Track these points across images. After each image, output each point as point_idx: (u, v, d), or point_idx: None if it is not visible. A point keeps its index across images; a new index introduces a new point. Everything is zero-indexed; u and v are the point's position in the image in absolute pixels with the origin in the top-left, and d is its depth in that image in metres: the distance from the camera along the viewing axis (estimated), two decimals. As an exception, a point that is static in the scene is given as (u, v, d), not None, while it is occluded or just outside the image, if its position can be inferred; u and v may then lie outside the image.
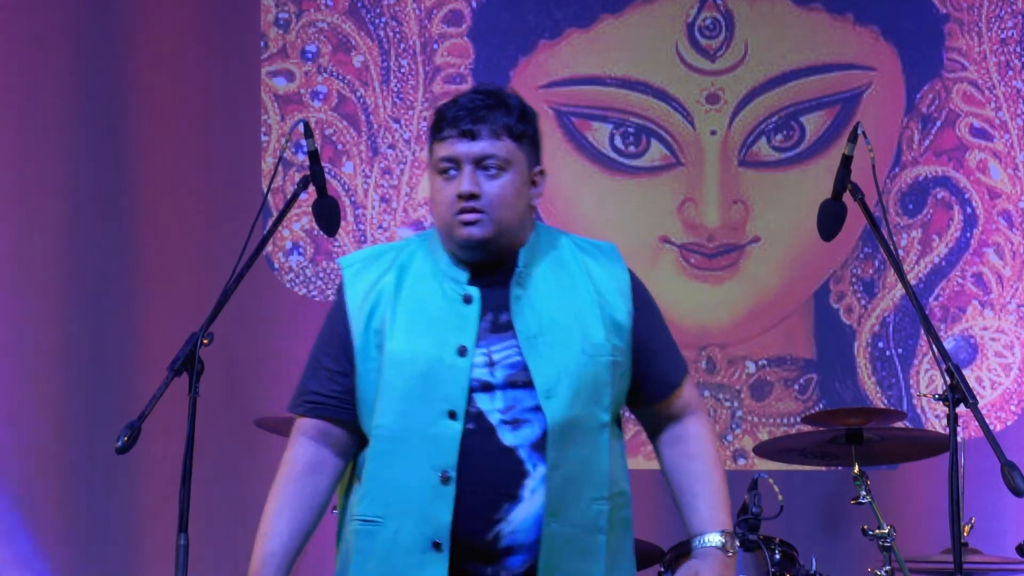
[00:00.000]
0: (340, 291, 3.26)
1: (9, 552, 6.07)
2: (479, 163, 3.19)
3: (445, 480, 3.07)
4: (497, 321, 3.18)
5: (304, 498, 3.26)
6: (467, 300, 3.18)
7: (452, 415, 3.10)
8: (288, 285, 6.37)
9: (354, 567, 3.14)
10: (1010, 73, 6.54)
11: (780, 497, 5.06)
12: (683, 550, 5.07)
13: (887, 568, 5.06)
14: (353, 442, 3.24)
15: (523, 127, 3.24)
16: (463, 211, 3.16)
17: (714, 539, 3.22)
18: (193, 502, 3.64)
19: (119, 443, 3.62)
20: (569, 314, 3.21)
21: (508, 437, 3.11)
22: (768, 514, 5.05)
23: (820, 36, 6.57)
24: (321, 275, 6.38)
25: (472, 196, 3.16)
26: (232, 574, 6.09)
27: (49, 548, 6.10)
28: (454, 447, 3.08)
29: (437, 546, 3.06)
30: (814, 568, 5.07)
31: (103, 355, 6.21)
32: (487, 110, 3.22)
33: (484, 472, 3.08)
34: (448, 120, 3.23)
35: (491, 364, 3.14)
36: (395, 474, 3.11)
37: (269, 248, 6.29)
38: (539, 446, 3.10)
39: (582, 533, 3.13)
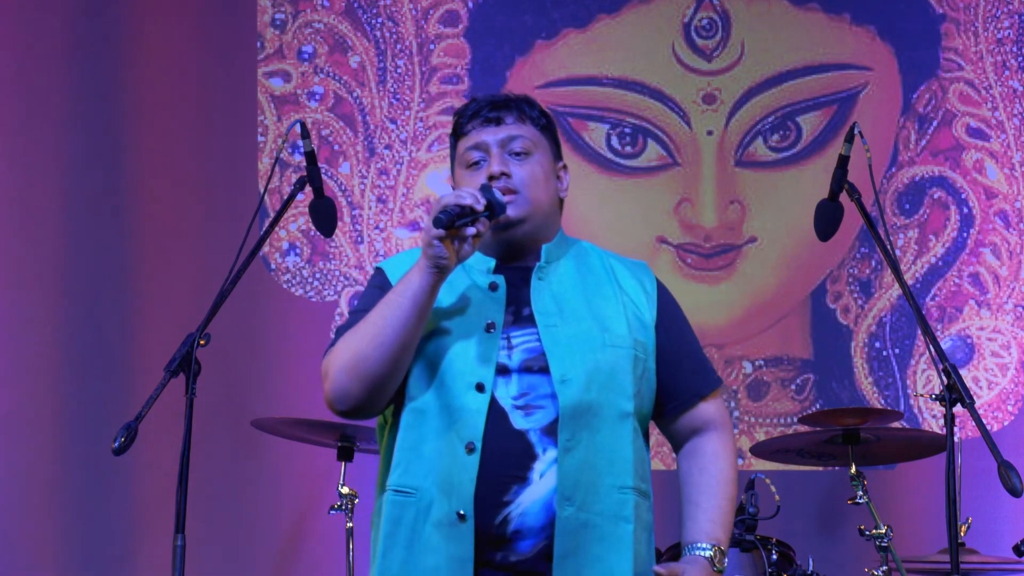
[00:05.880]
0: (383, 275, 3.29)
1: (8, 553, 6.07)
2: (506, 147, 3.26)
3: (470, 450, 3.09)
4: (520, 313, 3.21)
5: None
6: (493, 288, 3.22)
7: (480, 388, 3.12)
8: (285, 286, 6.37)
9: (384, 537, 3.13)
10: (1007, 73, 6.54)
11: (777, 497, 5.06)
12: (680, 550, 5.07)
13: (884, 568, 5.06)
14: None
15: (544, 119, 3.34)
16: None
17: (705, 549, 3.24)
18: (190, 503, 3.64)
19: (116, 444, 3.62)
20: (590, 306, 3.25)
21: (519, 421, 3.12)
22: (765, 514, 5.06)
23: (817, 36, 6.58)
24: (318, 276, 6.38)
25: (504, 175, 3.22)
26: (229, 574, 6.10)
27: (47, 549, 6.10)
28: (480, 418, 3.10)
29: (462, 517, 3.07)
30: (811, 568, 5.07)
31: (100, 356, 6.20)
32: (507, 101, 3.32)
33: (495, 454, 3.09)
34: (469, 115, 3.32)
35: (509, 348, 3.17)
36: (425, 445, 3.13)
37: (266, 249, 6.29)
38: (550, 430, 3.12)
39: (603, 521, 3.13)
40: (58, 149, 6.31)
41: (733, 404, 6.40)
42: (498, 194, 3.17)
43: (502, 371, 3.15)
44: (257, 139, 6.43)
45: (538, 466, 3.10)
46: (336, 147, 6.45)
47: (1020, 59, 6.56)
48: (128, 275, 6.30)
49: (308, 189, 4.19)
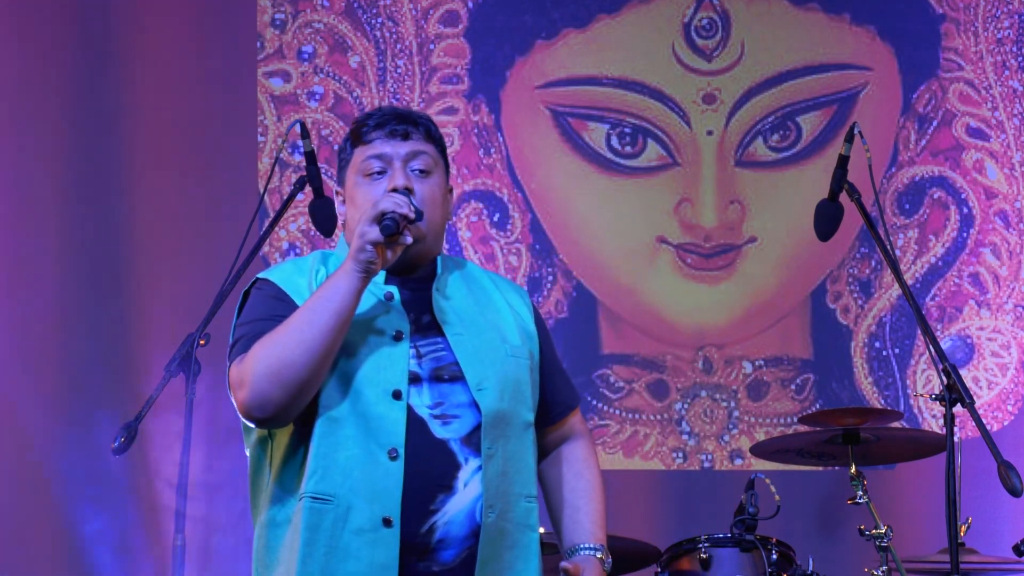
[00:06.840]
0: (273, 285, 3.27)
1: (8, 553, 6.07)
2: (408, 163, 3.25)
3: (393, 457, 3.10)
4: (420, 322, 3.23)
5: None
6: (389, 298, 3.22)
7: (397, 395, 3.13)
8: (285, 286, 6.36)
9: (303, 544, 3.11)
10: (1006, 73, 6.55)
11: (777, 497, 5.06)
12: (679, 551, 5.07)
13: (884, 568, 5.06)
14: None
15: (441, 142, 3.36)
16: None
17: (596, 550, 3.31)
18: (190, 503, 3.64)
19: (116, 444, 3.62)
20: (487, 318, 3.29)
21: (439, 431, 3.14)
22: (765, 514, 5.05)
23: (817, 36, 6.58)
24: (318, 276, 6.37)
25: (408, 190, 3.21)
26: (230, 575, 6.10)
27: (47, 548, 6.10)
28: (400, 425, 3.11)
29: (387, 522, 3.08)
30: (811, 568, 5.07)
31: (100, 356, 6.20)
32: (415, 118, 3.32)
33: (418, 463, 3.11)
34: (373, 125, 3.30)
35: (418, 356, 3.18)
36: (340, 453, 3.12)
37: (266, 248, 6.29)
38: (469, 440, 3.15)
39: (514, 529, 3.19)
40: (58, 147, 6.31)
41: (733, 404, 6.40)
42: (416, 203, 3.18)
43: (413, 379, 3.16)
44: (257, 139, 6.43)
45: (462, 475, 3.13)
46: (336, 147, 6.45)
47: (1020, 59, 6.56)
48: (128, 275, 6.29)
49: (308, 189, 4.19)
